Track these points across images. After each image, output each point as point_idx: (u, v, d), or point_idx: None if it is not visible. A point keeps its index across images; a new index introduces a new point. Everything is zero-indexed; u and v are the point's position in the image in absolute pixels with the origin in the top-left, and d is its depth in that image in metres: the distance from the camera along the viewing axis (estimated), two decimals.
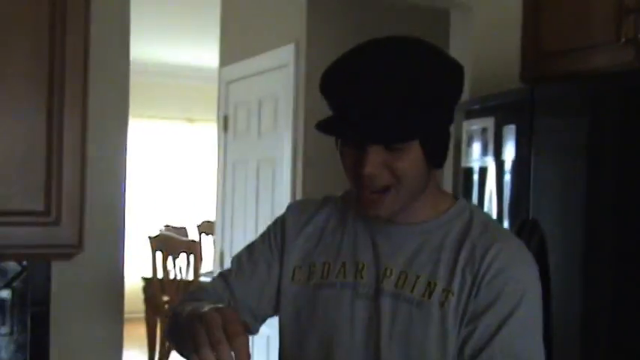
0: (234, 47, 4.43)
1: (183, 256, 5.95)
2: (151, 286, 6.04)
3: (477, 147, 2.33)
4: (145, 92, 8.30)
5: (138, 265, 7.18)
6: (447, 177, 2.56)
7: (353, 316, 1.30)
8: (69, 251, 1.70)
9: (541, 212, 2.06)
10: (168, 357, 6.18)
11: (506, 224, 2.17)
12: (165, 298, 5.92)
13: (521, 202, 2.10)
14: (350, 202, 1.37)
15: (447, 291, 1.25)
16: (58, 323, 1.98)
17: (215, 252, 4.71)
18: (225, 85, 4.51)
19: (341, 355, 1.30)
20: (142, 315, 6.40)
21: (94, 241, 1.91)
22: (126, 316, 7.68)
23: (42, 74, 1.65)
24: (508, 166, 2.17)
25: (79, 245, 1.69)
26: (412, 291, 1.27)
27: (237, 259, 1.44)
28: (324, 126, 1.21)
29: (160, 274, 5.90)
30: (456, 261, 1.27)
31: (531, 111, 2.09)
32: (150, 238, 5.95)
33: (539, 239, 2.02)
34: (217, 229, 4.60)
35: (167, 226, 7.35)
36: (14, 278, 1.93)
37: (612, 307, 1.93)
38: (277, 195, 3.77)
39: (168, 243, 5.81)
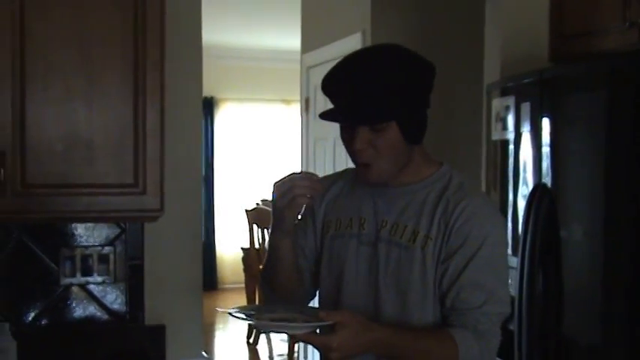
0: (312, 36, 4.84)
1: None
2: (248, 256, 6.55)
3: (506, 122, 2.63)
4: (243, 77, 8.81)
5: (237, 237, 7.71)
6: (482, 149, 2.87)
7: (358, 258, 1.68)
8: (153, 214, 2.16)
9: (557, 178, 2.34)
10: None
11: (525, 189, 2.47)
12: (262, 267, 6.41)
13: (536, 169, 2.41)
14: None
15: (427, 237, 1.61)
16: (150, 272, 2.44)
17: None
18: (305, 70, 4.93)
19: (349, 288, 1.69)
20: (243, 285, 6.93)
21: (176, 205, 2.38)
22: (228, 286, 8.31)
23: (128, 78, 2.11)
24: (526, 138, 2.47)
25: (160, 209, 2.15)
26: (401, 238, 1.63)
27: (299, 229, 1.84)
28: (323, 115, 1.60)
29: (256, 245, 6.39)
30: (434, 213, 1.62)
31: (541, 89, 2.39)
32: (246, 211, 6.43)
33: (549, 201, 2.31)
34: None
35: (264, 200, 7.86)
36: (115, 238, 2.42)
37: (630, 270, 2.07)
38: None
39: (262, 215, 6.26)
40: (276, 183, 1.61)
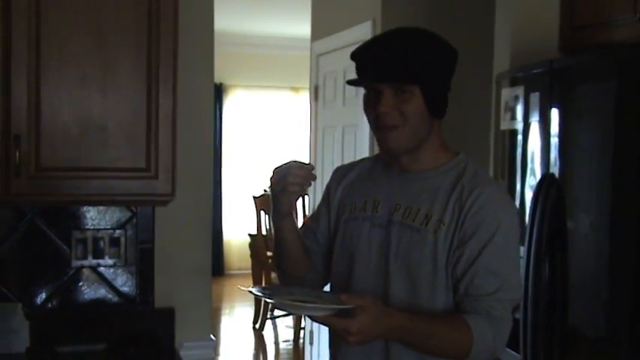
0: (322, 23, 4.84)
1: None
2: (256, 242, 6.58)
3: (515, 112, 2.65)
4: (252, 64, 8.82)
5: (245, 223, 7.71)
6: (491, 139, 2.88)
7: (370, 240, 1.72)
8: (164, 199, 2.19)
9: (565, 169, 2.36)
10: (273, 308, 6.73)
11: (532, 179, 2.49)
12: (269, 254, 6.42)
13: (544, 159, 2.42)
14: (378, 160, 1.80)
15: (440, 221, 1.64)
16: (161, 256, 2.48)
17: (311, 208, 5.18)
18: (315, 58, 4.93)
19: (361, 269, 1.72)
20: (250, 272, 6.97)
21: (187, 190, 2.40)
22: (235, 272, 8.30)
23: (141, 65, 2.14)
24: (535, 128, 2.49)
25: (171, 194, 2.18)
26: (414, 221, 1.66)
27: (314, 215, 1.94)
28: (350, 81, 1.68)
29: (264, 232, 6.42)
30: (448, 199, 1.65)
31: (551, 80, 2.40)
32: (254, 197, 6.46)
33: (557, 192, 2.33)
34: (310, 187, 5.08)
35: None
36: (126, 222, 2.45)
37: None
38: (358, 156, 4.17)
39: (270, 202, 6.28)
40: (275, 169, 1.69)
